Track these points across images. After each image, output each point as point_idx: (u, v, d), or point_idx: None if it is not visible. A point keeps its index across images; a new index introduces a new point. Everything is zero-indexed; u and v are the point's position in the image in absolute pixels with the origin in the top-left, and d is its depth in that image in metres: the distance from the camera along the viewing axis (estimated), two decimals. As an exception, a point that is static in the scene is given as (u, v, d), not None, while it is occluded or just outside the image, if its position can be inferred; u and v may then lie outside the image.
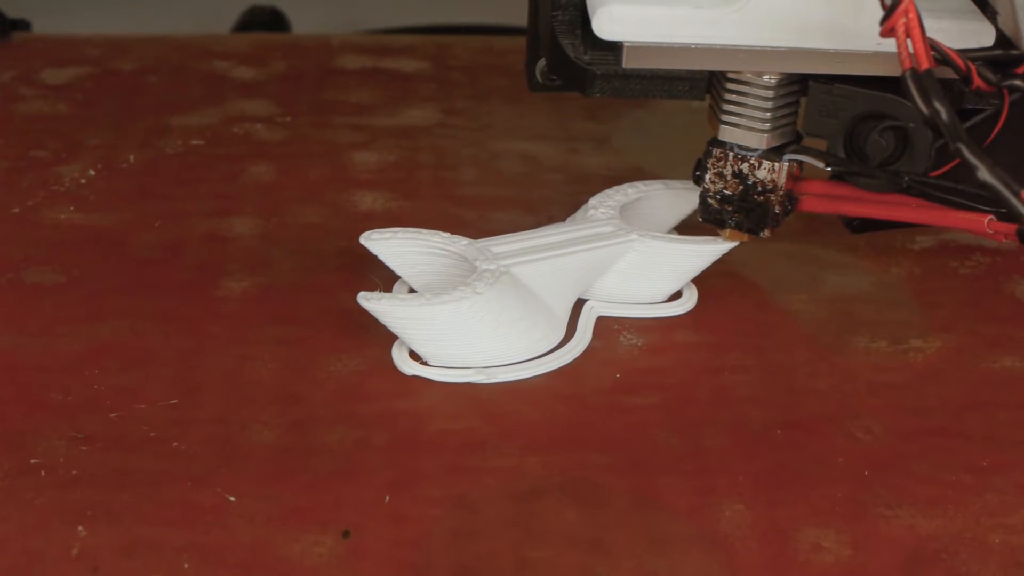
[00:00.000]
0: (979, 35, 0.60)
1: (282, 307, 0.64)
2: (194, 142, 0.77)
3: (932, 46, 0.56)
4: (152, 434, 0.57)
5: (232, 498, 0.54)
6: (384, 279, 0.65)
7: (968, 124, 0.61)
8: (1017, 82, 0.59)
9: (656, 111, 0.82)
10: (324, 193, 0.73)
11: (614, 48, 0.60)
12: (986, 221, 0.60)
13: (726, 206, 0.64)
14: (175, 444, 0.56)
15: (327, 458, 0.56)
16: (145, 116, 0.80)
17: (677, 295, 0.66)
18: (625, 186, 0.68)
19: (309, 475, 0.55)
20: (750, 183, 0.63)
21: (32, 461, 0.55)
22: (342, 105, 0.81)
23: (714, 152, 0.63)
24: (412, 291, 0.64)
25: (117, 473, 0.55)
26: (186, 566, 0.51)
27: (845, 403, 0.60)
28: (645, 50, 0.60)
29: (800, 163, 0.63)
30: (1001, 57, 0.59)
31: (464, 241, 0.63)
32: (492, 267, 0.61)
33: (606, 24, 0.60)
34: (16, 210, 0.71)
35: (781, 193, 0.63)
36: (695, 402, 0.60)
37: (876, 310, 0.66)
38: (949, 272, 0.69)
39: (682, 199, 0.68)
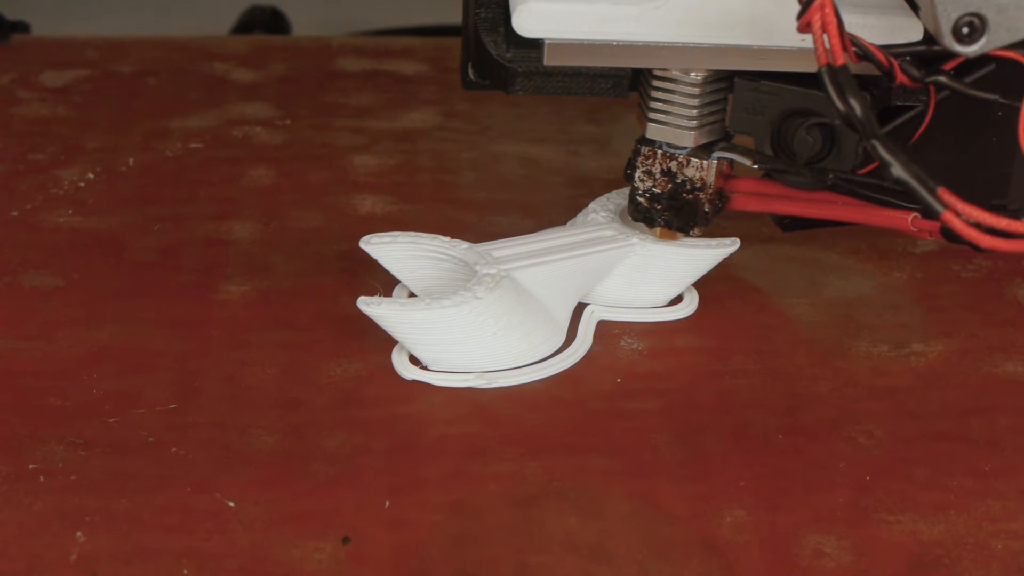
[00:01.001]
0: (906, 31, 0.59)
1: (282, 311, 0.64)
2: (193, 145, 0.77)
3: (853, 41, 0.55)
4: (151, 439, 0.57)
5: (231, 504, 0.54)
6: (384, 283, 0.64)
7: (898, 121, 0.61)
8: (942, 78, 0.58)
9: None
10: (324, 197, 0.72)
11: (537, 46, 0.60)
12: (910, 219, 0.60)
13: (656, 204, 0.64)
14: (174, 449, 0.56)
15: (327, 463, 0.56)
16: (144, 119, 0.79)
17: (678, 299, 0.65)
18: (626, 189, 0.67)
19: (309, 480, 0.55)
20: (679, 181, 0.63)
21: (31, 466, 0.55)
22: (342, 108, 0.81)
23: (643, 150, 0.63)
24: (412, 295, 0.64)
25: (116, 478, 0.55)
26: (185, 572, 0.51)
27: (846, 408, 0.60)
28: (566, 47, 0.59)
29: (731, 161, 0.63)
30: (928, 53, 0.58)
31: (464, 245, 0.63)
32: (492, 271, 0.61)
33: (526, 21, 0.59)
34: (14, 213, 0.70)
35: (711, 191, 0.63)
36: (696, 407, 0.60)
37: (877, 314, 0.66)
38: (951, 276, 0.69)
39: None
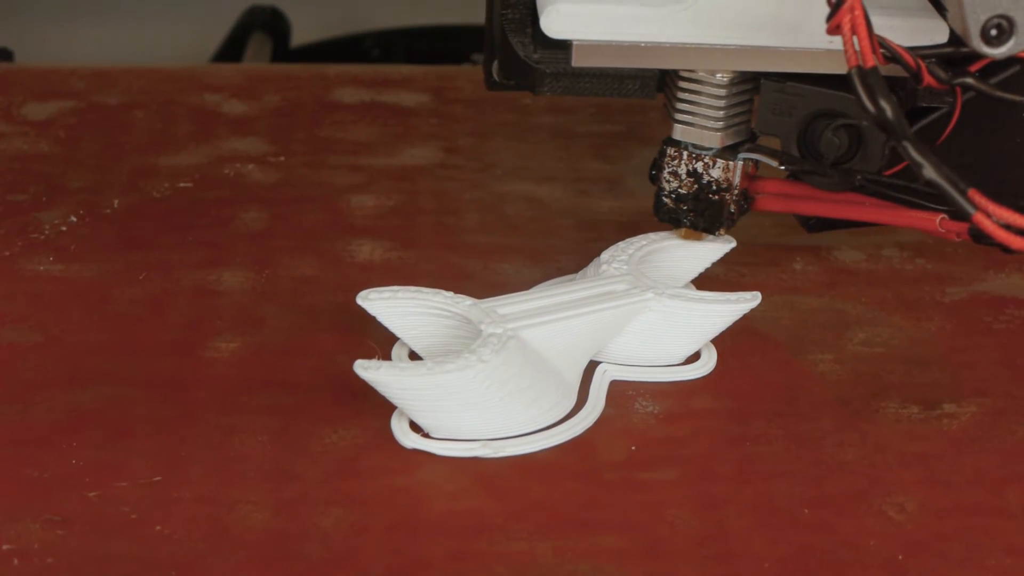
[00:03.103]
0: (932, 32, 0.59)
1: (274, 371, 0.60)
2: (182, 184, 0.73)
3: (881, 43, 0.55)
4: (133, 516, 0.53)
5: (219, 589, 0.50)
6: (383, 340, 0.61)
7: (924, 122, 0.61)
8: (969, 80, 0.58)
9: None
10: (319, 242, 0.69)
11: (564, 47, 0.60)
12: (938, 220, 0.59)
13: (681, 205, 0.63)
14: (158, 528, 0.53)
15: (322, 544, 0.52)
16: (131, 155, 0.76)
17: (695, 356, 0.62)
18: (639, 238, 0.64)
19: (303, 563, 0.51)
20: (704, 182, 0.63)
21: (4, 547, 0.52)
22: (339, 143, 0.78)
23: (668, 151, 0.63)
24: (412, 354, 0.60)
25: (96, 561, 0.51)
26: (169, 669, 0.48)
27: (876, 477, 0.56)
28: (594, 48, 0.59)
29: (756, 162, 0.63)
30: (954, 54, 0.58)
31: (468, 301, 0.59)
32: (498, 331, 0.57)
33: (554, 22, 0.59)
34: (-8, 260, 0.67)
35: (736, 192, 0.63)
36: (716, 477, 0.56)
37: (906, 371, 0.62)
38: (982, 328, 0.65)
39: (699, 250, 0.65)
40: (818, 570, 0.52)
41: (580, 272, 0.64)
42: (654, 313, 0.60)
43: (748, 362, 0.62)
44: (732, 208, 0.63)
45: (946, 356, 0.63)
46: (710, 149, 0.62)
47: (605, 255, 0.63)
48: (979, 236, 0.56)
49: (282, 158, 0.76)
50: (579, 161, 0.77)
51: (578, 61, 0.60)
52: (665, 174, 0.63)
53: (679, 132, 0.63)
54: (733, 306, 0.61)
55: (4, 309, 0.64)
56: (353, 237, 0.70)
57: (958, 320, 0.66)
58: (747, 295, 0.61)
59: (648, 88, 0.61)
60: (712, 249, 0.65)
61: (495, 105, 0.82)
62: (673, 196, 0.63)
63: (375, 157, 0.76)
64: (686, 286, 0.64)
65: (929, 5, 0.60)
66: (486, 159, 0.77)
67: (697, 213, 0.63)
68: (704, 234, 0.64)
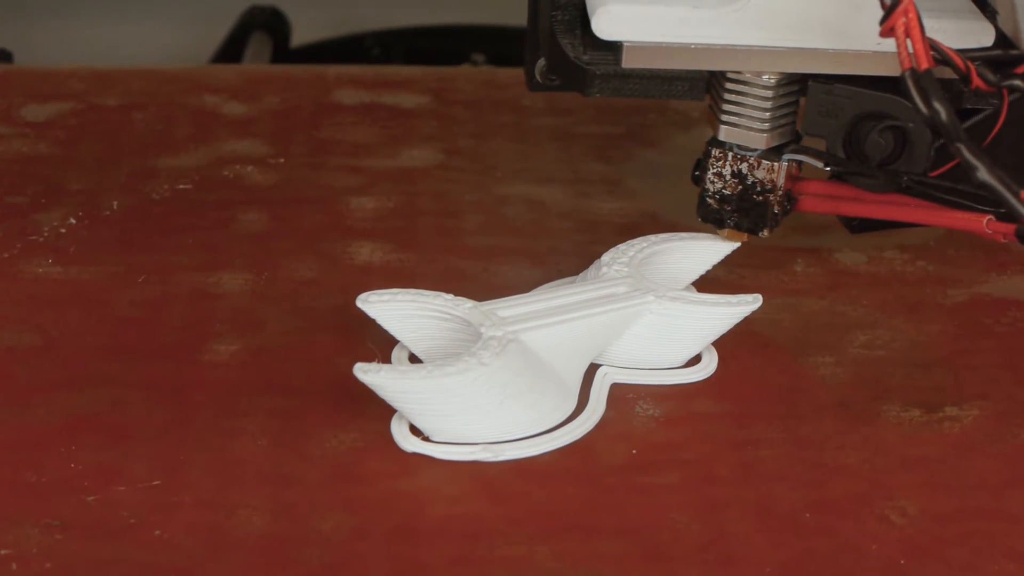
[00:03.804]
0: (979, 35, 0.60)
1: (274, 374, 0.60)
2: (181, 186, 0.73)
3: (932, 46, 0.55)
4: (132, 521, 0.53)
5: (219, 594, 0.50)
6: (382, 343, 0.61)
7: (968, 124, 0.60)
8: (1017, 82, 0.59)
9: (669, 151, 0.78)
10: (319, 244, 0.69)
11: (613, 48, 0.60)
12: (985, 221, 0.59)
13: (725, 206, 0.64)
14: (157, 532, 0.52)
15: (322, 548, 0.52)
16: (130, 157, 0.76)
17: (696, 359, 0.62)
18: (639, 240, 0.64)
19: (302, 568, 0.51)
20: (749, 183, 0.63)
21: (2, 552, 0.51)
22: (338, 145, 0.77)
23: (713, 152, 0.63)
24: (412, 356, 0.60)
25: (94, 565, 0.51)
26: (168, 674, 0.48)
27: (877, 480, 0.56)
28: (644, 50, 0.60)
29: (799, 163, 0.63)
30: (1001, 57, 0.59)
31: (468, 304, 0.59)
32: (498, 334, 0.57)
33: (605, 24, 0.60)
34: (-9, 263, 0.67)
35: (780, 193, 0.63)
36: (717, 480, 0.56)
37: (907, 374, 0.62)
38: (983, 330, 0.65)
39: (700, 252, 0.64)
40: (819, 574, 0.52)
41: (580, 274, 0.64)
42: (655, 316, 0.60)
43: (749, 365, 0.62)
44: (776, 209, 0.63)
45: (947, 359, 0.63)
46: (755, 150, 0.62)
47: (606, 257, 0.63)
48: None
49: (282, 160, 0.76)
50: (579, 163, 0.77)
51: (628, 63, 0.60)
52: (710, 175, 0.63)
53: (724, 133, 0.63)
54: (734, 308, 0.61)
55: (3, 312, 0.63)
56: (353, 239, 0.69)
57: (960, 322, 0.65)
58: (748, 297, 0.61)
59: (697, 89, 0.61)
60: (713, 251, 0.64)
61: (495, 107, 0.82)
62: (717, 197, 0.63)
63: (375, 159, 0.76)
64: (687, 288, 0.64)
65: (975, 7, 0.60)
66: (486, 161, 0.77)
67: (741, 214, 0.63)
68: (745, 235, 0.64)
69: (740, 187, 0.63)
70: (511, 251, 0.69)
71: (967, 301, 0.67)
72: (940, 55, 0.56)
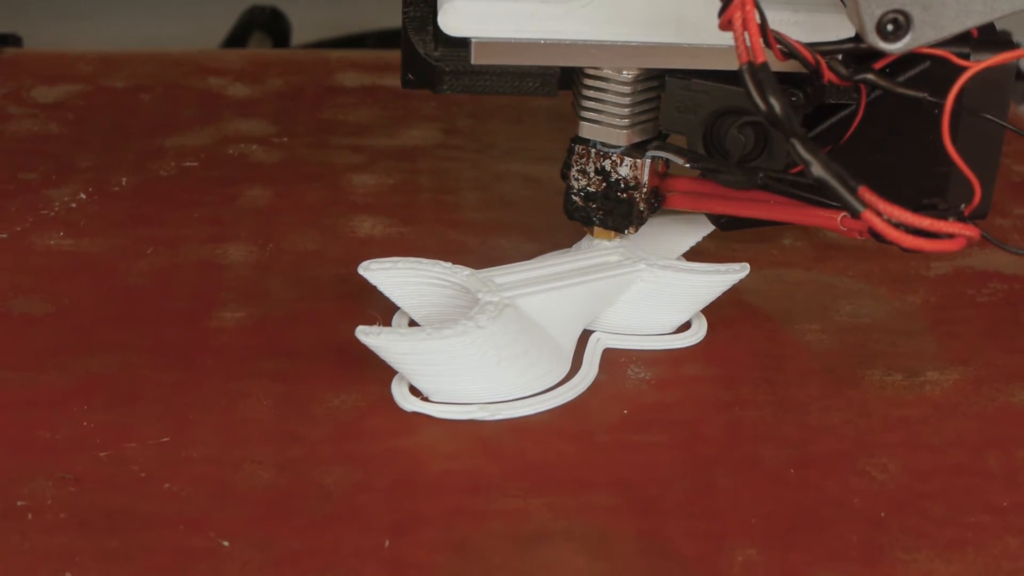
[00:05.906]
0: (838, 28, 0.58)
1: (278, 339, 0.62)
2: (188, 164, 0.75)
3: (778, 39, 0.55)
4: (143, 474, 0.55)
5: (226, 543, 0.52)
6: (383, 309, 0.63)
7: (833, 120, 0.60)
8: (870, 76, 0.57)
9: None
10: (322, 218, 0.71)
11: (465, 44, 0.59)
12: (839, 218, 0.59)
13: (591, 204, 0.63)
14: (167, 485, 0.54)
15: (324, 501, 0.54)
16: (138, 136, 0.78)
17: (686, 326, 0.64)
18: (632, 212, 0.66)
19: (306, 518, 0.53)
20: (613, 180, 0.63)
21: (18, 503, 0.53)
22: (340, 125, 0.79)
23: (576, 149, 0.63)
24: (412, 322, 0.62)
25: (107, 516, 0.53)
26: (178, 616, 0.50)
27: (860, 440, 0.58)
28: (493, 46, 0.59)
29: (666, 160, 0.62)
30: (856, 51, 0.57)
31: (466, 271, 0.61)
32: (495, 299, 0.59)
33: (452, 20, 0.59)
34: (4, 236, 0.69)
35: (645, 190, 0.62)
36: (706, 440, 0.58)
37: (891, 341, 0.64)
38: (966, 300, 0.67)
39: (691, 225, 0.66)
40: (803, 526, 0.54)
41: (574, 246, 0.66)
42: (646, 283, 0.62)
43: (737, 331, 0.64)
44: (642, 206, 0.63)
45: (930, 327, 0.65)
46: (617, 147, 0.62)
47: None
48: (880, 235, 0.55)
49: (285, 139, 0.78)
50: (575, 142, 0.79)
51: (478, 59, 0.59)
52: (574, 172, 0.63)
53: (586, 130, 0.62)
54: (722, 276, 0.63)
55: (16, 281, 0.65)
56: (354, 214, 0.71)
57: (942, 293, 0.67)
58: (736, 266, 0.63)
59: (549, 86, 0.60)
60: (704, 225, 0.66)
61: (493, 89, 0.84)
62: (583, 195, 0.63)
63: (376, 138, 0.78)
64: (677, 259, 0.66)
65: (837, 0, 0.59)
66: (484, 140, 0.79)
67: (606, 212, 0.63)
68: (614, 232, 0.63)
69: (604, 184, 0.62)
70: (508, 225, 0.71)
71: (950, 273, 0.69)
72: (787, 48, 0.55)
